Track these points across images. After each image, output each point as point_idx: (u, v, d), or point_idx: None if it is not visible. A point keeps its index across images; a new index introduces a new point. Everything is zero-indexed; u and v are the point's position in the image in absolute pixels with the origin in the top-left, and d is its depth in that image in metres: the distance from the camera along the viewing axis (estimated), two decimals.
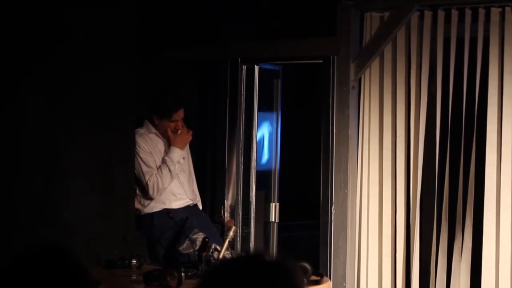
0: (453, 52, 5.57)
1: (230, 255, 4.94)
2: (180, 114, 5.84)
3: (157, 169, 5.74)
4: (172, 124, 5.82)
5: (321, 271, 5.38)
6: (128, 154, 5.66)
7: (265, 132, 6.63)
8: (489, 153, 5.47)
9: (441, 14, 5.63)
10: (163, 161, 5.76)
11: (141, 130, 5.80)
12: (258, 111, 6.37)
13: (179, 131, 5.82)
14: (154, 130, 5.83)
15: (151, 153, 5.78)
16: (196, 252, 5.07)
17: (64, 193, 5.16)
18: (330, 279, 5.66)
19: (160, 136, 5.84)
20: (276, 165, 6.56)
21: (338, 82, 5.90)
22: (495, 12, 5.45)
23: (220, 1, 6.39)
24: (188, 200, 5.88)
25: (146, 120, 5.84)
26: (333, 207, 5.87)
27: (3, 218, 4.88)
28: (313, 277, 4.92)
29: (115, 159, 5.51)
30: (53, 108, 5.13)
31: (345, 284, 5.83)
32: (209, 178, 6.45)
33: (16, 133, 4.99)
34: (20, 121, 5.00)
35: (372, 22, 5.86)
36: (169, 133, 5.81)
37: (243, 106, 6.32)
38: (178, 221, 5.60)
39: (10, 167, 4.97)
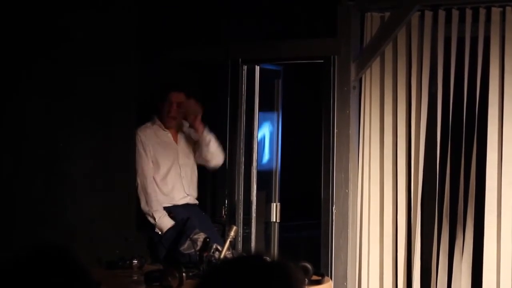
0: (453, 52, 5.57)
1: (231, 255, 4.94)
2: (174, 96, 5.87)
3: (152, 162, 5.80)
4: (166, 108, 5.86)
5: (322, 271, 5.39)
6: (129, 154, 5.66)
7: (266, 132, 6.62)
8: (490, 153, 5.47)
9: (441, 14, 5.63)
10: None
11: (148, 124, 5.87)
12: (259, 111, 6.37)
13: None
14: (158, 122, 5.90)
15: (149, 145, 5.83)
16: (197, 252, 5.06)
17: (65, 193, 5.16)
18: (331, 279, 5.66)
19: (164, 128, 5.90)
20: (277, 165, 6.56)
21: (338, 82, 5.90)
22: (495, 12, 5.45)
23: (221, 1, 6.39)
24: (186, 195, 5.89)
25: (155, 114, 5.91)
26: (334, 207, 5.87)
27: (3, 219, 4.87)
28: (314, 277, 4.92)
29: (115, 159, 5.51)
30: (53, 108, 5.13)
31: (346, 283, 5.83)
32: (209, 178, 6.45)
33: (16, 134, 4.98)
34: (20, 121, 5.00)
35: (373, 22, 5.86)
36: (166, 117, 5.89)
37: (244, 106, 6.32)
38: (179, 221, 5.61)
39: (10, 168, 4.96)
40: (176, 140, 5.94)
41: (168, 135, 5.92)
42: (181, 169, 5.91)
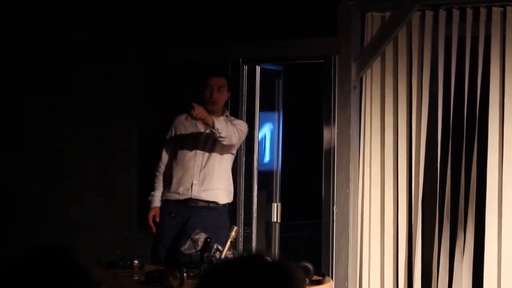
0: (454, 51, 5.57)
1: (232, 255, 4.93)
2: (214, 81, 5.81)
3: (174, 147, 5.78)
4: (207, 93, 5.78)
5: (323, 271, 5.38)
6: (129, 154, 5.65)
7: (266, 132, 6.62)
8: (491, 153, 5.46)
9: (442, 13, 5.63)
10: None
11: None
12: (259, 111, 6.37)
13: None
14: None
15: (177, 129, 5.77)
16: (198, 253, 5.06)
17: (65, 193, 5.16)
18: (332, 279, 5.66)
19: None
20: (277, 165, 6.55)
21: (339, 82, 5.90)
22: (496, 11, 5.45)
23: (221, 1, 6.39)
24: (190, 186, 5.74)
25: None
26: (335, 207, 5.87)
27: (3, 219, 4.88)
28: (315, 277, 4.91)
29: (116, 159, 5.51)
30: (53, 108, 5.13)
31: (347, 283, 5.83)
32: None
33: (16, 134, 4.99)
34: (20, 121, 5.00)
35: (373, 22, 5.86)
36: (208, 102, 5.74)
37: (244, 106, 6.32)
38: (179, 221, 5.60)
39: (10, 168, 4.97)
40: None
41: (196, 125, 5.74)
42: (196, 158, 5.75)
